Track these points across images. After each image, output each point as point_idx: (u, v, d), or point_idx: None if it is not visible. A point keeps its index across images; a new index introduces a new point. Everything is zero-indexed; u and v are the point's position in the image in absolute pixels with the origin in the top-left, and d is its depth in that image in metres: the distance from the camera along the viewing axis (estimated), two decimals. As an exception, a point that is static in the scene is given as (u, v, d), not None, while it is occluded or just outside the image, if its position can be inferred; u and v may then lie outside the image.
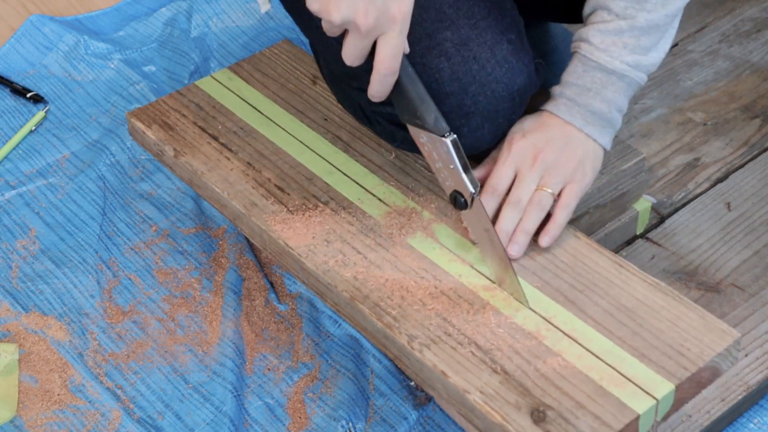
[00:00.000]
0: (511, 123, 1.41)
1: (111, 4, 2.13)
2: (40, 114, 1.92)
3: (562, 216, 1.35)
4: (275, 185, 1.47)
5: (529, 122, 1.39)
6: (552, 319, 1.28)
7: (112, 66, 2.02)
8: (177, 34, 2.06)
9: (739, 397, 1.40)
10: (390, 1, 1.21)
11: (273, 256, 1.44)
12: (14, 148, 1.87)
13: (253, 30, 2.08)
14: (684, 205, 1.65)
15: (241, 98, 1.62)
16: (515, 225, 1.34)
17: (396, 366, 1.48)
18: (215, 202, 1.51)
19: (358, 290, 1.33)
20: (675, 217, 1.64)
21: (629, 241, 1.62)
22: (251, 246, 1.66)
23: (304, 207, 1.44)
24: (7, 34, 2.07)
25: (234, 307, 1.57)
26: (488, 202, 1.36)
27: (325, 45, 1.41)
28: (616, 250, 1.60)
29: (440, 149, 1.28)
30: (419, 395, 1.47)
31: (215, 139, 1.56)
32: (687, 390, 1.22)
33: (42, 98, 1.95)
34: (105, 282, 1.64)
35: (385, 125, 1.47)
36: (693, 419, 1.38)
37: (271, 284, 1.62)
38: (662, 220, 1.64)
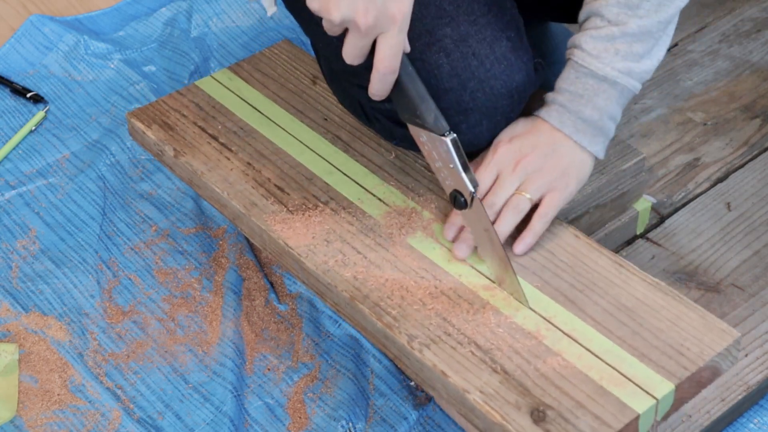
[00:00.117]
0: (509, 121, 1.41)
1: (111, 4, 2.13)
2: (40, 114, 1.92)
3: (539, 225, 1.35)
4: (275, 185, 1.47)
5: (519, 127, 1.39)
6: (552, 318, 1.28)
7: (112, 66, 2.02)
8: (177, 34, 2.06)
9: (739, 397, 1.40)
10: (390, 0, 1.21)
11: (273, 256, 1.44)
12: (14, 148, 1.87)
13: (253, 30, 2.08)
14: (684, 205, 1.65)
15: (241, 98, 1.62)
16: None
17: (396, 366, 1.48)
18: (215, 202, 1.51)
19: (358, 290, 1.33)
20: (675, 217, 1.64)
21: (629, 241, 1.62)
22: (251, 246, 1.66)
23: (304, 207, 1.44)
24: (7, 34, 2.07)
25: (234, 307, 1.57)
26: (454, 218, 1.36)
27: (325, 42, 1.42)
28: (616, 250, 1.60)
29: (440, 148, 1.28)
30: (419, 395, 1.47)
31: (215, 139, 1.56)
32: (687, 390, 1.22)
33: (42, 98, 1.95)
34: (105, 282, 1.64)
35: (385, 122, 1.47)
36: (693, 419, 1.38)
37: (271, 284, 1.62)
38: (662, 220, 1.64)
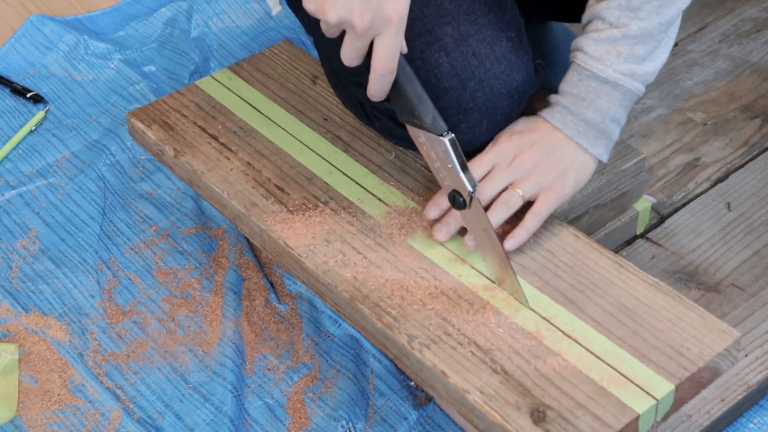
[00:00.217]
0: (509, 121, 1.41)
1: (111, 4, 2.13)
2: (40, 114, 1.92)
3: (531, 222, 1.34)
4: (275, 185, 1.47)
5: (520, 124, 1.39)
6: (552, 319, 1.28)
7: (112, 66, 2.02)
8: (177, 34, 2.06)
9: (739, 397, 1.40)
10: (385, 1, 1.21)
11: (273, 256, 1.44)
12: (14, 148, 1.87)
13: (253, 30, 2.08)
14: (684, 205, 1.65)
15: (241, 98, 1.62)
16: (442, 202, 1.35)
17: (396, 366, 1.48)
18: (215, 202, 1.51)
19: (358, 290, 1.33)
20: (675, 217, 1.64)
21: (629, 241, 1.62)
22: (251, 246, 1.66)
23: (304, 207, 1.44)
24: (7, 34, 2.07)
25: (234, 307, 1.57)
26: (442, 197, 1.35)
27: (326, 41, 1.41)
28: (616, 250, 1.60)
29: (438, 148, 1.28)
30: (419, 395, 1.47)
31: (215, 138, 1.56)
32: (687, 390, 1.22)
33: (42, 98, 1.95)
34: (105, 282, 1.64)
35: (385, 121, 1.47)
36: (693, 419, 1.38)
37: (271, 284, 1.62)
38: (662, 220, 1.64)
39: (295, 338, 1.55)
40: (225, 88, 1.64)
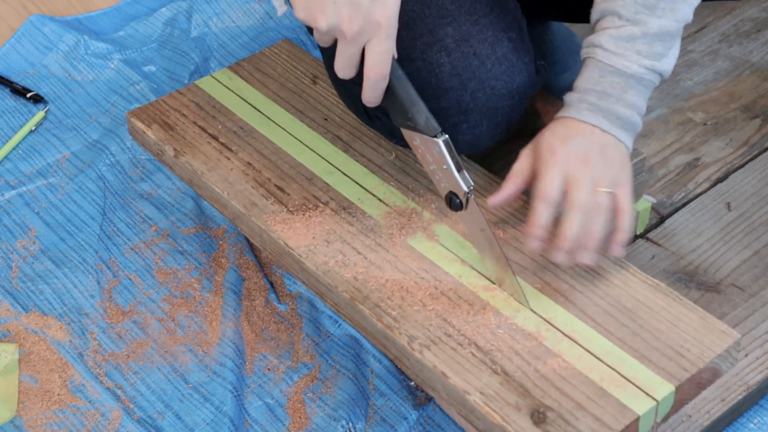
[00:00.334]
0: (510, 122, 1.41)
1: (111, 4, 2.13)
2: (40, 114, 1.92)
3: (625, 220, 1.30)
4: (275, 185, 1.47)
5: (559, 130, 1.33)
6: (552, 320, 1.28)
7: (112, 66, 2.02)
8: (177, 34, 2.06)
9: (739, 397, 1.40)
10: (374, 6, 1.22)
11: (273, 257, 1.44)
12: (14, 148, 1.87)
13: (253, 30, 2.08)
14: (684, 205, 1.65)
15: (241, 98, 1.62)
16: (583, 229, 1.28)
17: (396, 366, 1.48)
18: (215, 202, 1.51)
19: (358, 291, 1.33)
20: (675, 217, 1.64)
21: (629, 241, 1.61)
22: (251, 246, 1.66)
23: (304, 207, 1.44)
24: (7, 34, 2.07)
25: (234, 307, 1.57)
26: (543, 211, 1.28)
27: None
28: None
29: (433, 150, 1.28)
30: (419, 395, 1.47)
31: (215, 138, 1.56)
32: (687, 391, 1.22)
33: (42, 98, 1.95)
34: (105, 282, 1.64)
35: (385, 121, 1.47)
36: (693, 419, 1.38)
37: (271, 284, 1.62)
38: (662, 220, 1.64)
39: (295, 338, 1.55)
40: (225, 88, 1.64)
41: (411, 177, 1.47)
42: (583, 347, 1.24)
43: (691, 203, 1.65)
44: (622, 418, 1.17)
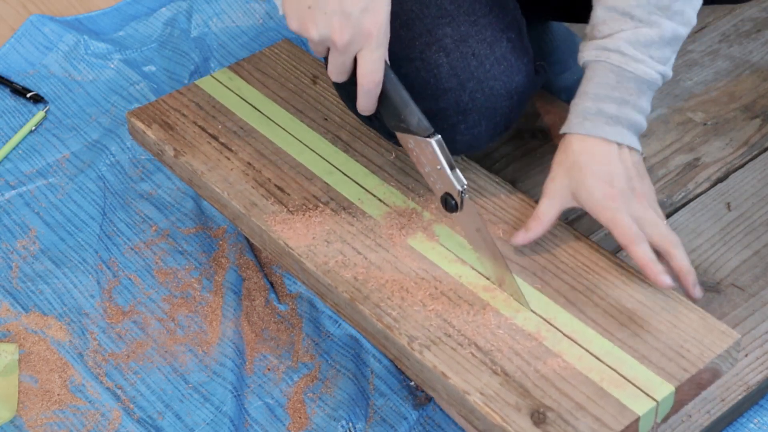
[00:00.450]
0: (509, 122, 1.41)
1: (111, 4, 2.13)
2: (40, 114, 1.92)
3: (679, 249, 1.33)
4: (275, 185, 1.47)
5: (589, 163, 1.32)
6: (552, 320, 1.28)
7: (112, 66, 2.01)
8: (177, 34, 2.06)
9: (739, 397, 1.39)
10: (364, 16, 1.23)
11: (273, 257, 1.44)
12: (14, 148, 1.87)
13: (253, 30, 2.08)
14: (684, 205, 1.65)
15: (241, 98, 1.62)
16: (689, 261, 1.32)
17: (396, 366, 1.48)
18: (215, 202, 1.51)
19: (359, 291, 1.33)
20: (675, 217, 1.63)
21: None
22: (251, 246, 1.66)
23: (304, 207, 1.44)
24: (7, 34, 2.07)
25: (234, 307, 1.57)
26: (647, 251, 1.30)
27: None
28: (616, 251, 1.60)
29: (426, 151, 1.28)
30: (419, 395, 1.47)
31: (215, 138, 1.56)
32: (687, 392, 1.22)
33: (42, 98, 1.95)
34: (105, 282, 1.64)
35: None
36: (693, 419, 1.38)
37: (271, 284, 1.62)
38: (662, 220, 1.64)
39: (295, 338, 1.55)
40: (225, 88, 1.64)
41: (411, 177, 1.47)
42: (583, 347, 1.24)
43: (691, 203, 1.65)
44: (622, 419, 1.18)
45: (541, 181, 1.58)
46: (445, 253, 1.36)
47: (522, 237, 1.35)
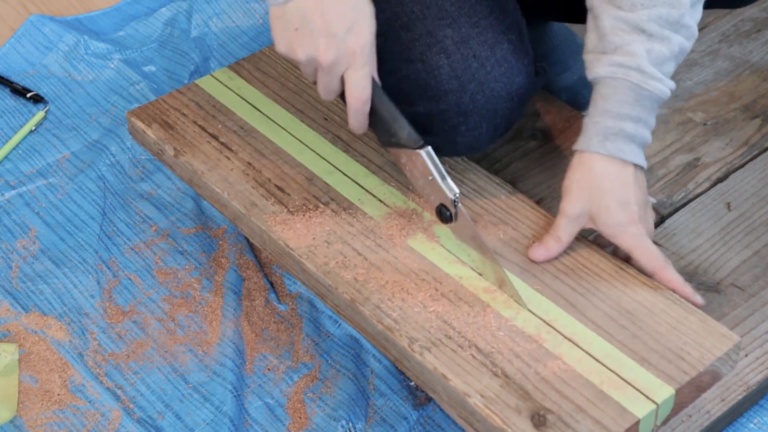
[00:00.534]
0: (509, 123, 1.41)
1: (111, 4, 2.13)
2: (40, 114, 1.92)
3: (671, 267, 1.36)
4: (275, 185, 1.47)
5: (610, 186, 1.32)
6: (552, 322, 1.28)
7: (112, 66, 2.01)
8: (177, 34, 2.06)
9: (739, 397, 1.40)
10: (348, 36, 1.26)
11: (273, 257, 1.44)
12: (14, 148, 1.87)
13: (253, 30, 2.08)
14: (684, 205, 1.65)
15: (242, 97, 1.62)
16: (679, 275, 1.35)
17: (396, 366, 1.48)
18: (215, 202, 1.51)
19: (359, 292, 1.33)
20: (675, 217, 1.63)
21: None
22: (251, 246, 1.66)
23: (304, 208, 1.44)
24: (7, 34, 2.07)
25: (234, 307, 1.57)
26: (673, 272, 1.34)
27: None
28: (616, 252, 1.60)
29: (417, 162, 1.30)
30: (419, 395, 1.47)
31: (215, 138, 1.56)
32: (687, 394, 1.22)
33: (42, 98, 1.95)
34: (105, 282, 1.64)
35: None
36: (693, 419, 1.38)
37: (271, 284, 1.62)
38: (662, 220, 1.64)
39: (295, 338, 1.55)
40: (225, 88, 1.64)
41: (411, 177, 1.47)
42: (583, 350, 1.24)
43: (691, 203, 1.65)
44: (622, 421, 1.18)
45: (541, 181, 1.59)
46: (445, 254, 1.36)
47: (542, 255, 1.35)
